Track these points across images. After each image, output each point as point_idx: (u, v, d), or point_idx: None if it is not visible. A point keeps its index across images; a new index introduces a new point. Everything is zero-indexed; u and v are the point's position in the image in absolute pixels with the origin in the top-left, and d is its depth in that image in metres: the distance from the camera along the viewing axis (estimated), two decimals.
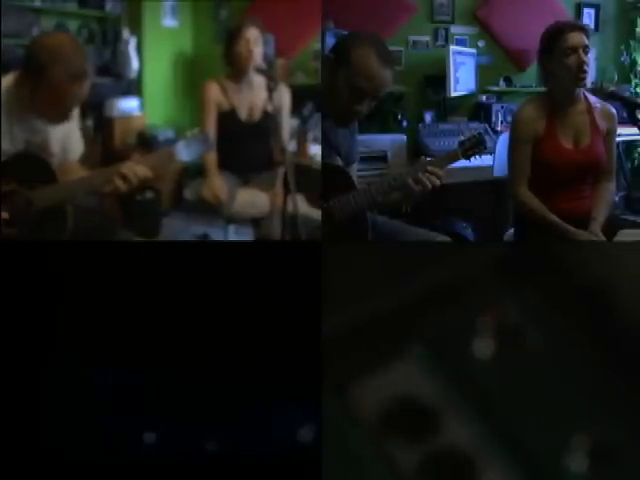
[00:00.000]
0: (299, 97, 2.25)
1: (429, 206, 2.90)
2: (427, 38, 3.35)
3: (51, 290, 1.39)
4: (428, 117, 3.24)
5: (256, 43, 2.24)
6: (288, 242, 1.65)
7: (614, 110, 2.00)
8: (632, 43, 3.66)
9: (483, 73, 3.42)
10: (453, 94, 3.16)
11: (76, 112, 1.74)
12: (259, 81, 2.27)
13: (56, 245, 1.47)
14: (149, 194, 2.61)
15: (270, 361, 1.38)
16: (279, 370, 1.36)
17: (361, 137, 2.74)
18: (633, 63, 3.67)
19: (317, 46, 3.35)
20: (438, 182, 1.62)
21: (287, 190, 1.65)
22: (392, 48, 3.22)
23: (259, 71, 2.18)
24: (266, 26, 2.40)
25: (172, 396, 1.39)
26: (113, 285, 1.40)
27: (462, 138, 1.69)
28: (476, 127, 2.91)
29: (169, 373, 1.39)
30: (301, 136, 2.29)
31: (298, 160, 2.22)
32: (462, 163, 1.80)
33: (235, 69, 2.31)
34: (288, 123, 2.29)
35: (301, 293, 1.33)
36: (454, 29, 3.41)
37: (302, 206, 1.92)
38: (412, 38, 3.32)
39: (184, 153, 1.54)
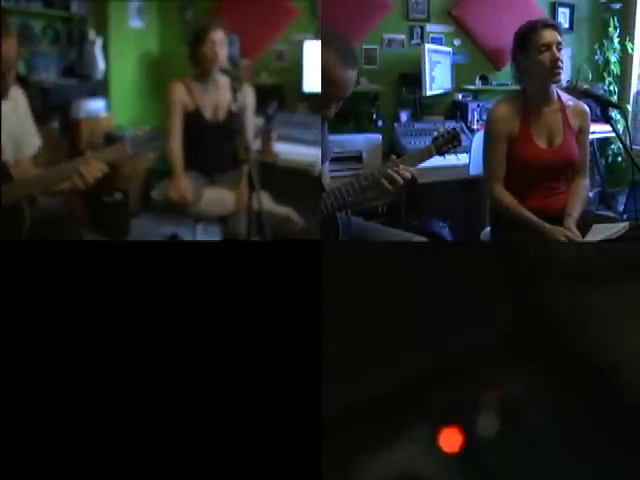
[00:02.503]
0: (264, 97, 2.31)
1: (405, 206, 2.94)
2: (402, 36, 3.37)
3: (15, 292, 1.36)
4: (404, 116, 3.26)
5: (221, 44, 2.28)
6: (288, 242, 1.65)
7: (587, 108, 2.03)
8: (605, 42, 3.74)
9: (459, 71, 3.45)
10: (429, 93, 3.19)
11: (22, 97, 1.71)
12: (224, 81, 2.31)
13: (19, 245, 1.44)
14: (117, 195, 2.61)
15: (268, 364, 1.35)
16: (277, 374, 1.33)
17: (336, 137, 2.77)
18: (606, 62, 3.75)
19: (281, 47, 3.42)
20: (411, 180, 1.62)
21: (251, 188, 1.68)
22: (367, 46, 3.29)
23: (224, 71, 2.22)
24: (231, 27, 2.44)
25: (150, 408, 1.36)
26: (100, 287, 1.37)
27: (436, 134, 1.71)
28: (452, 126, 2.94)
29: (152, 382, 1.35)
30: (265, 135, 2.34)
31: (263, 158, 2.28)
32: (439, 162, 1.81)
33: (200, 70, 2.34)
34: (252, 122, 2.33)
35: (300, 293, 1.32)
36: (430, 27, 3.43)
37: (267, 203, 1.97)
38: (387, 36, 3.34)
39: (134, 147, 1.57)
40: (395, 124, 3.16)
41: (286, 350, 1.31)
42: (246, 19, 3.22)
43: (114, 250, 1.38)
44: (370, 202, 1.75)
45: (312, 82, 3.16)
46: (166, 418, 1.31)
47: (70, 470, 1.30)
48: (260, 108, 2.27)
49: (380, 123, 3.18)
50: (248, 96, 2.31)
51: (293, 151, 2.75)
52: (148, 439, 1.30)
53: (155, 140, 1.61)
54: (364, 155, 2.89)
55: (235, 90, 1.93)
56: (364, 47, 3.26)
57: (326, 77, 1.62)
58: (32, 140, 1.77)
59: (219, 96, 2.33)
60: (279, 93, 3.17)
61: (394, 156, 1.69)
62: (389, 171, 1.62)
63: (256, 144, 2.25)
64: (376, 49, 3.31)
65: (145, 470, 1.30)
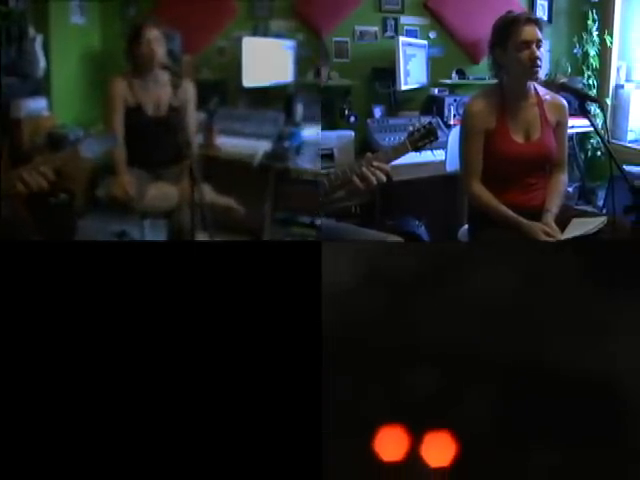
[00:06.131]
0: (205, 92, 2.46)
1: (380, 205, 2.95)
2: (375, 29, 3.39)
3: None
4: (377, 112, 3.27)
5: (157, 42, 2.33)
6: (287, 242, 1.67)
7: (564, 101, 2.06)
8: (584, 36, 3.82)
9: (435, 65, 3.48)
10: (403, 87, 3.21)
11: None
12: (165, 77, 2.37)
13: None
14: (62, 196, 2.63)
15: (268, 364, 1.36)
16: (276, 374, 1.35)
17: None
18: (585, 55, 3.83)
19: (221, 43, 3.50)
20: (384, 177, 1.63)
21: (193, 181, 1.76)
22: (338, 39, 3.30)
23: (165, 67, 2.29)
24: (172, 23, 2.52)
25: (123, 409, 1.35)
26: (77, 291, 1.37)
27: (411, 128, 1.71)
28: (428, 120, 2.97)
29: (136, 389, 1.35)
30: (208, 129, 2.41)
31: (207, 152, 2.43)
32: (414, 159, 1.82)
33: (139, 67, 2.39)
34: (194, 117, 2.42)
35: (300, 293, 1.35)
36: (404, 19, 3.45)
37: (209, 195, 2.06)
38: (359, 28, 3.35)
39: (88, 150, 1.58)
40: (368, 120, 3.16)
41: (286, 350, 1.34)
42: (187, 16, 3.28)
43: (119, 252, 1.40)
44: (342, 202, 1.75)
45: (251, 77, 3.23)
46: (151, 419, 1.34)
47: (66, 469, 1.31)
48: (202, 103, 2.42)
49: (352, 119, 3.18)
50: (189, 91, 2.39)
51: (235, 144, 2.92)
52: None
53: (107, 141, 1.63)
54: (336, 152, 2.89)
55: (175, 86, 2.03)
56: (335, 40, 3.27)
57: None
58: None
59: (160, 91, 2.39)
60: (220, 88, 3.28)
61: (369, 153, 1.70)
62: (362, 169, 1.62)
63: (199, 138, 2.41)
64: (347, 42, 3.31)
65: (144, 470, 1.32)
